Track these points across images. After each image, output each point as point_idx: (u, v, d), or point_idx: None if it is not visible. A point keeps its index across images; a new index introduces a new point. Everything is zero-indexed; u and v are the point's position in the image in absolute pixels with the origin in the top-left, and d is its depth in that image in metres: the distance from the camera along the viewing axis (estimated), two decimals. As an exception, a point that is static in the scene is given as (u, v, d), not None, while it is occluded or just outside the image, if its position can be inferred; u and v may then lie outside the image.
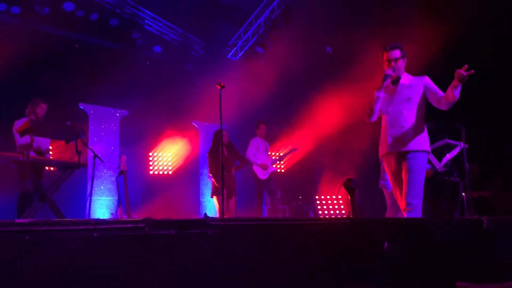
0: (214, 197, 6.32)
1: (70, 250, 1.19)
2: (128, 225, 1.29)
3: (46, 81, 6.90)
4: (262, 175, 7.06)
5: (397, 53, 3.71)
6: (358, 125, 6.66)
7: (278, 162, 7.56)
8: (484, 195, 6.19)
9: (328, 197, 8.52)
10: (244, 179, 7.63)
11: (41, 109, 5.52)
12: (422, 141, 3.65)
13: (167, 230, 1.32)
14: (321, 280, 1.56)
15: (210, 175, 6.37)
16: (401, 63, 3.76)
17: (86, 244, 1.21)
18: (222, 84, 5.02)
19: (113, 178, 7.83)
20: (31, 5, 7.16)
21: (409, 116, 3.64)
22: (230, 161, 6.45)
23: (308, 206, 8.65)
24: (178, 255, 1.31)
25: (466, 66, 3.34)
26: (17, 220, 1.16)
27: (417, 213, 3.53)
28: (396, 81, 3.76)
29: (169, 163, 8.97)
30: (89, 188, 7.34)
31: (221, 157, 5.11)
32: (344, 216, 7.75)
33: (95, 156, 5.51)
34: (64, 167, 5.28)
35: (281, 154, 7.78)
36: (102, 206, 7.99)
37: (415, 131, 3.64)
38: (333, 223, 2.14)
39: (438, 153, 5.52)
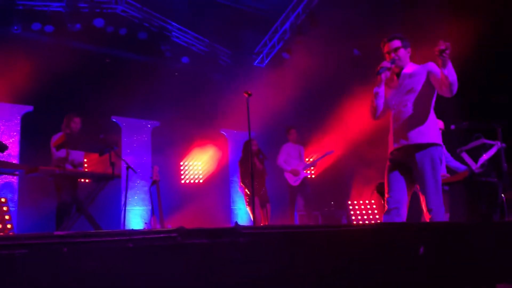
0: (248, 207, 6.33)
1: (107, 261, 1.22)
2: (161, 235, 1.31)
3: (80, 96, 7.14)
4: (293, 181, 6.98)
5: (396, 43, 3.42)
6: (389, 127, 6.55)
7: (311, 167, 7.43)
8: (525, 196, 5.94)
9: (361, 202, 8.38)
10: (278, 186, 7.62)
11: (75, 123, 5.70)
12: (431, 133, 3.29)
13: (199, 239, 1.33)
14: (355, 287, 1.54)
15: (242, 185, 6.36)
16: (403, 53, 3.44)
17: (122, 255, 1.24)
18: (249, 92, 5.06)
19: (146, 188, 7.97)
20: (64, 23, 7.44)
21: (414, 107, 3.32)
22: (261, 169, 6.45)
23: (341, 211, 8.53)
24: (210, 264, 1.32)
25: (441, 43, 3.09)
26: (56, 233, 1.20)
27: (441, 218, 3.16)
28: (399, 73, 3.46)
29: (200, 172, 9.07)
30: (123, 199, 7.51)
31: (251, 166, 5.12)
32: (378, 221, 7.60)
33: (128, 167, 5.64)
34: (99, 179, 5.42)
35: (311, 159, 7.68)
36: (136, 216, 8.14)
37: (421, 122, 3.29)
38: (367, 229, 2.10)
39: (474, 153, 5.35)
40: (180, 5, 8.03)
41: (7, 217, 4.20)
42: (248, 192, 6.16)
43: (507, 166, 5.11)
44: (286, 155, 7.04)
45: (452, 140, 5.49)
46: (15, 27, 7.14)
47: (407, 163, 3.32)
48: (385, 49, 3.47)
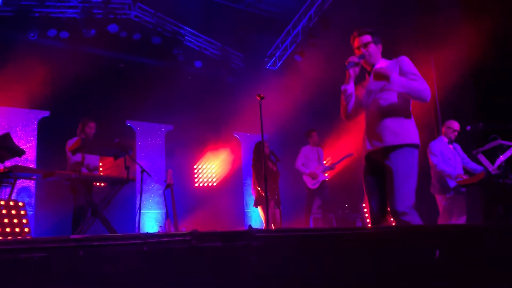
0: (259, 208, 6.32)
1: (122, 264, 1.23)
2: (176, 238, 1.32)
3: (95, 101, 7.23)
4: (311, 184, 6.93)
5: (366, 38, 3.17)
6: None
7: (331, 170, 7.37)
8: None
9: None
10: (289, 189, 7.59)
11: (90, 128, 5.77)
12: (406, 134, 3.01)
13: (213, 242, 1.34)
14: (370, 290, 1.53)
15: (257, 187, 6.35)
16: (374, 49, 3.19)
17: (137, 258, 1.25)
18: (262, 95, 5.06)
19: (161, 192, 8.03)
20: (79, 29, 7.55)
21: (388, 106, 3.06)
22: (275, 171, 6.44)
23: (355, 214, 8.47)
24: (224, 267, 1.33)
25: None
26: (72, 236, 1.21)
27: (417, 221, 2.88)
28: (371, 69, 3.21)
29: (214, 175, 9.10)
30: (138, 202, 7.57)
31: (264, 168, 5.12)
32: (393, 224, 7.51)
33: (142, 171, 5.69)
34: (114, 182, 5.48)
35: (329, 163, 7.61)
36: (151, 219, 8.20)
37: (396, 122, 3.03)
38: (381, 232, 2.09)
39: (491, 155, 5.27)
40: (193, 10, 8.09)
41: (24, 220, 4.27)
42: (263, 194, 6.15)
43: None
44: (305, 158, 6.99)
45: (468, 141, 5.42)
46: (32, 34, 7.28)
47: (381, 166, 3.06)
48: (355, 44, 3.23)
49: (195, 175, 9.01)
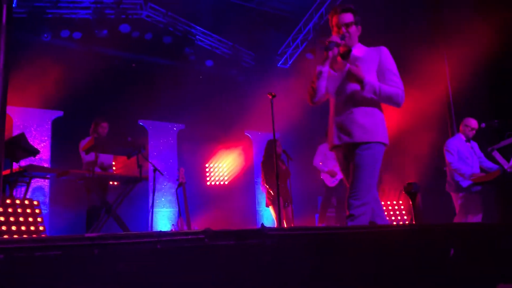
0: (271, 207, 6.32)
1: (136, 262, 1.24)
2: (189, 237, 1.33)
3: (107, 100, 7.30)
4: (330, 182, 6.90)
5: (349, 17, 2.90)
6: (418, 127, 6.43)
7: None
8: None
9: (389, 203, 8.25)
10: (302, 187, 7.58)
11: (103, 127, 5.83)
12: (377, 131, 2.83)
13: (226, 240, 1.34)
14: (384, 289, 1.52)
15: (265, 185, 6.36)
16: (354, 31, 2.92)
17: (150, 256, 1.26)
18: (273, 93, 5.06)
19: (173, 190, 8.07)
20: (91, 30, 7.62)
21: (361, 98, 2.82)
22: (283, 170, 6.43)
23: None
24: (237, 265, 1.33)
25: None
26: (86, 235, 1.23)
27: (360, 222, 2.65)
28: (346, 54, 2.96)
29: (225, 174, 9.12)
30: (150, 201, 7.63)
31: (276, 167, 5.11)
32: (407, 222, 7.46)
33: (155, 169, 5.73)
34: (127, 181, 5.53)
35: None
36: (164, 218, 8.25)
37: (369, 118, 2.82)
38: (394, 231, 2.07)
39: (506, 152, 5.19)
40: (204, 9, 8.12)
41: (39, 219, 4.33)
42: (272, 193, 6.15)
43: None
44: (323, 156, 6.97)
45: (482, 139, 5.35)
46: (45, 35, 7.37)
47: (348, 159, 2.90)
48: (334, 21, 2.95)
49: (207, 174, 9.04)
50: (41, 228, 4.29)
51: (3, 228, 3.99)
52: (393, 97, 2.81)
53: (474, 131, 5.13)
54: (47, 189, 7.16)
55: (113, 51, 8.00)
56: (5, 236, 3.89)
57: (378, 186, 8.51)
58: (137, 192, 5.97)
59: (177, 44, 8.45)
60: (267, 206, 6.38)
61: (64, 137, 7.13)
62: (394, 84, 2.82)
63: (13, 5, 7.07)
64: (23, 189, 5.08)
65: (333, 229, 1.73)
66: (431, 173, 6.41)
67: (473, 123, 5.14)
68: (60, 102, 7.19)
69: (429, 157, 6.48)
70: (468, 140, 5.15)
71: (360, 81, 2.76)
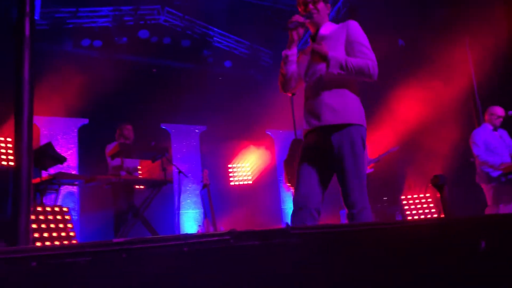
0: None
1: (163, 265, 1.26)
2: (214, 238, 1.34)
3: (130, 106, 7.42)
4: None
5: None
6: (442, 119, 6.30)
7: (374, 163, 7.26)
8: None
9: (415, 196, 8.11)
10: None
11: (128, 130, 5.94)
12: (350, 112, 2.53)
13: (251, 241, 1.35)
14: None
15: (288, 184, 6.36)
16: (323, 7, 2.68)
17: (177, 259, 1.28)
18: (293, 91, 5.04)
19: (198, 192, 8.15)
20: (111, 37, 7.77)
21: (330, 79, 2.55)
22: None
23: (394, 207, 8.30)
24: (262, 265, 1.33)
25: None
26: (114, 240, 1.25)
27: (365, 217, 2.47)
28: (315, 35, 2.72)
29: (249, 173, 9.15)
30: (176, 203, 7.73)
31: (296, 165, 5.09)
32: (435, 215, 7.32)
33: (179, 172, 5.80)
34: (153, 184, 5.61)
35: (379, 155, 7.44)
36: (190, 219, 8.34)
37: (339, 99, 2.54)
38: (423, 225, 2.03)
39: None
40: (220, 10, 8.15)
41: (70, 225, 4.44)
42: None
43: None
44: None
45: (510, 127, 5.20)
46: (67, 45, 7.55)
47: (321, 148, 2.58)
48: None
49: (231, 174, 9.08)
50: (71, 234, 4.40)
51: (36, 235, 4.11)
52: (363, 69, 2.51)
53: (501, 119, 4.98)
54: (76, 195, 7.33)
55: (134, 57, 8.12)
56: (38, 243, 4.01)
57: (404, 179, 8.41)
58: (163, 195, 6.05)
59: (195, 46, 8.52)
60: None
61: (90, 144, 7.29)
62: (364, 56, 2.55)
63: (36, 18, 7.26)
64: (53, 196, 5.22)
65: (359, 225, 1.71)
66: (458, 165, 6.28)
67: (499, 111, 4.99)
68: (85, 109, 7.35)
69: (455, 149, 6.35)
70: (495, 129, 5.01)
71: (324, 57, 2.53)
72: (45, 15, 7.33)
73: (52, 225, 4.30)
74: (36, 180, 4.88)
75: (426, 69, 6.69)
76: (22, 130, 2.16)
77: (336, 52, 2.55)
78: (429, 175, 4.09)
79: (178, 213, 6.71)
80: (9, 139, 6.33)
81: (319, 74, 2.61)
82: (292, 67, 2.73)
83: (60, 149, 7.07)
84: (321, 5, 2.68)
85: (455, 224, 1.95)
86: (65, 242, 4.22)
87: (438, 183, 3.99)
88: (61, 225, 4.37)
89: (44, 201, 5.09)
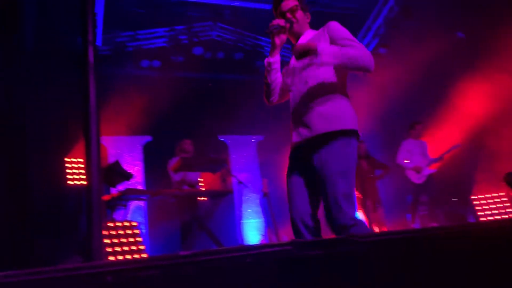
0: (361, 211, 6.18)
1: (228, 276, 1.28)
2: (276, 249, 1.34)
3: (189, 121, 7.66)
4: (416, 179, 6.59)
5: (291, 2, 2.56)
6: (510, 113, 5.91)
7: (438, 162, 6.98)
8: None
9: (488, 196, 7.63)
10: (392, 187, 7.30)
11: (188, 145, 6.13)
12: (342, 119, 2.37)
13: (314, 250, 1.33)
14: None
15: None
16: (301, 16, 2.59)
17: (241, 270, 1.29)
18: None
19: (258, 201, 8.20)
20: (168, 57, 8.09)
21: (317, 85, 2.41)
22: (370, 172, 6.25)
23: (465, 208, 7.85)
24: (326, 276, 1.31)
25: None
26: (181, 253, 1.29)
27: (363, 229, 2.25)
28: (296, 44, 2.58)
29: (309, 180, 9.06)
30: (238, 213, 7.83)
31: (360, 169, 4.99)
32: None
33: (239, 182, 5.88)
34: (214, 196, 5.74)
35: (440, 154, 7.15)
36: (252, 229, 8.41)
37: (328, 105, 2.37)
38: (502, 226, 1.90)
39: None
40: (269, 21, 8.21)
41: (139, 239, 4.64)
42: (359, 196, 6.00)
43: None
44: (407, 152, 6.69)
45: None
46: (128, 67, 7.97)
47: (311, 160, 2.39)
48: (278, 11, 2.63)
49: (291, 182, 9.05)
50: (141, 247, 4.59)
51: (108, 249, 4.34)
52: (358, 58, 2.30)
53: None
54: (144, 210, 7.65)
55: (190, 74, 8.40)
56: (111, 258, 4.22)
57: (473, 179, 7.94)
58: (225, 205, 6.17)
59: (248, 58, 8.65)
60: (357, 210, 6.25)
61: (154, 159, 7.59)
62: (356, 45, 2.36)
63: (98, 44, 7.74)
64: (123, 211, 5.49)
65: (428, 230, 1.63)
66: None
67: None
68: (148, 127, 7.69)
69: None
70: None
71: (313, 50, 2.32)
72: (106, 40, 7.79)
73: (123, 240, 4.51)
74: (106, 197, 5.16)
75: (491, 61, 6.31)
76: (91, 151, 2.30)
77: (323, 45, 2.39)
78: (499, 174, 3.84)
79: (241, 223, 6.80)
80: (80, 160, 6.76)
81: (305, 81, 2.47)
82: (277, 76, 2.63)
83: (127, 166, 7.43)
84: (299, 14, 2.60)
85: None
86: (136, 255, 4.41)
87: (511, 180, 3.74)
88: (131, 239, 4.57)
89: (114, 216, 5.37)
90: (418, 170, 6.51)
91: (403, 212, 6.93)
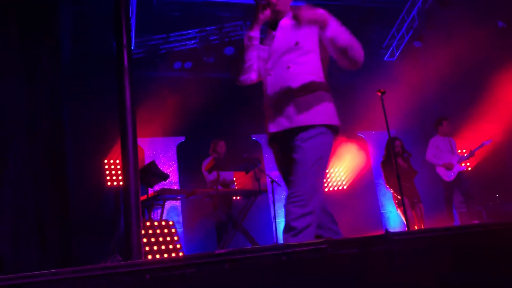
0: (399, 209, 6.07)
1: (263, 274, 1.29)
2: (311, 247, 1.33)
3: (222, 121, 7.72)
4: (447, 176, 6.44)
5: None
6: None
7: (468, 159, 6.79)
8: None
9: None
10: (429, 185, 7.13)
11: (221, 147, 6.19)
12: (324, 112, 2.23)
13: (349, 249, 1.32)
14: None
15: (387, 186, 6.14)
16: None
17: (277, 268, 1.30)
18: (382, 90, 4.88)
19: (292, 200, 8.17)
20: (200, 57, 8.18)
21: (300, 72, 2.25)
22: (408, 169, 6.12)
23: (509, 204, 7.54)
24: (362, 274, 1.30)
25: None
26: (217, 251, 1.31)
27: (304, 237, 2.03)
28: (276, 24, 2.39)
29: (343, 178, 8.96)
30: (272, 212, 7.83)
31: (396, 167, 4.89)
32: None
33: (272, 181, 5.88)
34: (248, 195, 5.76)
35: (470, 150, 6.95)
36: (287, 227, 8.39)
37: (312, 95, 2.22)
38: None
39: None
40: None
41: (176, 238, 4.72)
42: (396, 194, 5.88)
43: None
44: (435, 149, 6.55)
45: None
46: (161, 69, 8.12)
47: (287, 151, 2.28)
48: None
49: (324, 180, 8.97)
50: (178, 246, 4.67)
51: (146, 248, 4.44)
52: (358, 49, 2.23)
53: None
54: (179, 209, 7.78)
55: (221, 74, 8.46)
56: (149, 257, 4.32)
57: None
58: (259, 204, 6.18)
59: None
60: (397, 209, 6.15)
61: (188, 159, 7.71)
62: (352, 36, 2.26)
63: (132, 47, 7.92)
64: (159, 211, 5.60)
65: (469, 227, 1.58)
66: None
67: None
68: (181, 128, 7.80)
69: None
70: None
71: (322, 21, 2.14)
72: (139, 44, 7.96)
73: (160, 239, 4.61)
74: (143, 197, 5.28)
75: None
76: (128, 152, 2.36)
77: (309, 43, 2.26)
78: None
79: (275, 222, 6.79)
80: (117, 161, 6.95)
81: (287, 66, 2.27)
82: (253, 54, 2.39)
83: (162, 167, 7.58)
84: None
85: None
86: (173, 254, 4.50)
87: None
88: (168, 238, 4.66)
89: (152, 216, 5.48)
90: (449, 167, 6.35)
91: (442, 209, 6.75)
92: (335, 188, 8.94)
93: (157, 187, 5.71)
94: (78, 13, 7.06)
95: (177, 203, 7.66)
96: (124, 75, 2.45)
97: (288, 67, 2.26)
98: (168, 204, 7.20)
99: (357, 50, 2.24)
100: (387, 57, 9.26)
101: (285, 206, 2.19)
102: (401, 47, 9.00)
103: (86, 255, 5.63)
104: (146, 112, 6.74)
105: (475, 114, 7.60)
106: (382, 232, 1.40)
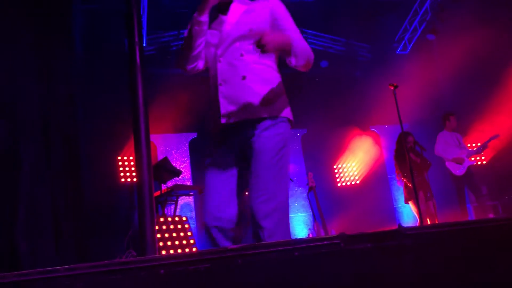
0: (410, 203, 6.02)
1: (276, 270, 1.29)
2: (324, 242, 1.34)
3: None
4: (457, 171, 6.40)
5: None
6: None
7: (477, 154, 6.76)
8: None
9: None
10: (441, 179, 7.07)
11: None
12: (280, 105, 2.13)
13: (362, 244, 1.32)
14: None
15: (402, 179, 6.10)
16: None
17: (289, 264, 1.30)
18: (395, 84, 4.85)
19: (305, 195, 8.17)
20: (211, 54, 8.21)
21: (255, 62, 2.12)
22: (420, 163, 6.08)
23: (525, 198, 7.44)
24: (376, 269, 1.29)
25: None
26: (230, 247, 1.32)
27: (280, 234, 1.97)
28: (226, 6, 2.21)
29: (356, 173, 8.92)
30: (285, 207, 7.84)
31: (409, 162, 4.85)
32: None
33: (284, 176, 5.87)
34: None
35: (478, 144, 6.91)
36: (299, 223, 8.39)
37: (267, 85, 2.11)
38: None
39: None
40: (312, 11, 8.11)
41: (189, 233, 4.76)
42: (409, 185, 5.84)
43: None
44: (444, 144, 6.52)
45: None
46: (172, 65, 8.15)
47: (240, 148, 2.12)
48: None
49: (337, 175, 8.94)
50: (191, 241, 4.70)
51: (160, 244, 4.48)
52: (311, 56, 2.18)
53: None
54: (192, 205, 7.83)
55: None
56: (163, 252, 4.36)
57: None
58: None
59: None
60: (406, 202, 6.10)
61: (200, 155, 7.75)
62: (302, 38, 2.20)
63: (144, 45, 7.97)
64: (172, 207, 5.65)
65: (482, 222, 1.56)
66: None
67: None
68: (194, 124, 7.84)
69: None
70: None
71: (287, 51, 2.09)
72: (151, 41, 8.00)
73: (174, 234, 4.65)
74: (157, 193, 5.33)
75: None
76: (141, 149, 2.38)
77: (262, 28, 2.10)
78: None
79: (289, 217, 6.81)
80: (131, 158, 7.01)
81: (240, 54, 2.10)
82: (202, 40, 2.17)
83: (175, 163, 7.63)
84: None
85: None
86: (187, 249, 4.54)
87: None
88: (181, 234, 4.70)
89: (165, 212, 5.53)
90: (459, 161, 6.32)
91: (456, 204, 6.68)
92: (348, 183, 8.91)
93: (170, 183, 5.75)
94: (90, 11, 7.12)
95: (190, 199, 7.71)
96: (137, 72, 2.47)
97: (242, 55, 2.11)
98: (182, 200, 7.25)
99: (311, 56, 2.21)
100: (399, 51, 9.17)
101: (250, 207, 2.06)
102: (414, 40, 8.90)
103: (101, 250, 5.71)
104: (159, 109, 6.78)
105: (489, 107, 7.49)
106: (395, 227, 1.39)
